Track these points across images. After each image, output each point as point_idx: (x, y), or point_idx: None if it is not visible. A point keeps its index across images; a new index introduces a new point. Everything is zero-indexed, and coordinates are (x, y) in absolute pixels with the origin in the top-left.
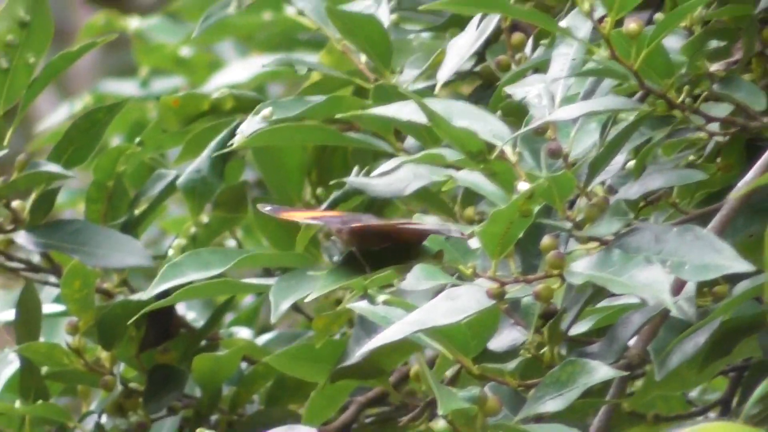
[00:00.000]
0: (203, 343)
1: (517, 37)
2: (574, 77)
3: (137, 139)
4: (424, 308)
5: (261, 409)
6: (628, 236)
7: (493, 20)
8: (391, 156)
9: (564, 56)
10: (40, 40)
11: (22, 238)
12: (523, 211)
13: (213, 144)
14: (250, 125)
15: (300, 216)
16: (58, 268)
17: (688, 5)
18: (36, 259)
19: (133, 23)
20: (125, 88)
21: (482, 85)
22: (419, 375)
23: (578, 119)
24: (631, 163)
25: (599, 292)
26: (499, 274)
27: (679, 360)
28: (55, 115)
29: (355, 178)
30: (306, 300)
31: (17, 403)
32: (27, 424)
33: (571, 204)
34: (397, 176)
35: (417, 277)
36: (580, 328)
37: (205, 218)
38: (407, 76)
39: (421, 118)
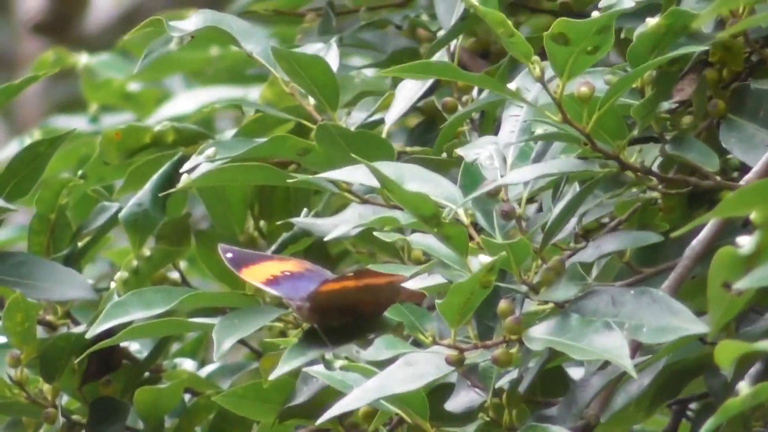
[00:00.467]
0: (146, 375)
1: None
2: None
3: (80, 172)
4: (382, 374)
5: None
6: (585, 299)
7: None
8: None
9: (514, 118)
10: None
11: None
12: (484, 283)
13: (155, 177)
14: (194, 165)
15: (259, 278)
16: (0, 300)
17: (641, 68)
18: None
19: (83, 59)
20: (74, 123)
21: (425, 120)
22: (367, 415)
23: (530, 182)
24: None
25: (556, 353)
26: (457, 339)
27: (623, 401)
28: (5, 152)
29: (302, 219)
30: (270, 377)
31: None
32: None
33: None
34: (344, 217)
35: (378, 348)
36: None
37: (147, 251)
38: (355, 119)
39: (372, 181)
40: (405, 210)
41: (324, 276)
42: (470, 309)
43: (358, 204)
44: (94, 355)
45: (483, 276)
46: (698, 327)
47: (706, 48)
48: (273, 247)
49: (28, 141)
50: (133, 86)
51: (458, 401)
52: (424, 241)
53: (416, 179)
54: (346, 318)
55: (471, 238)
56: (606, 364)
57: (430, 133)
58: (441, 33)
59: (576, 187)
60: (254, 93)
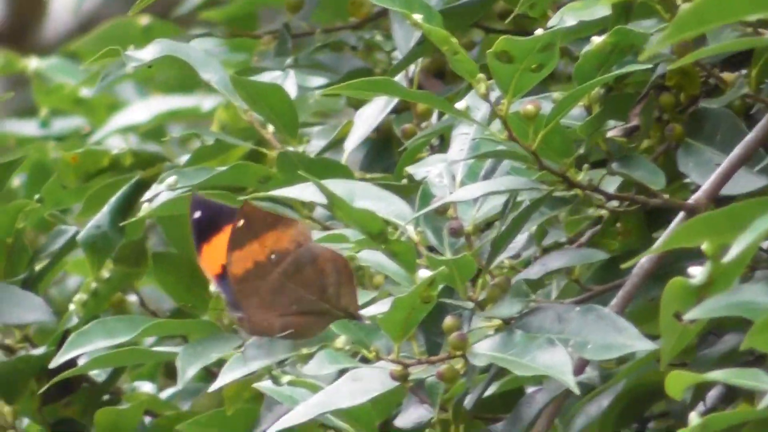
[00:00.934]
0: (106, 396)
1: (422, 106)
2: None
3: (36, 196)
4: (328, 390)
5: None
6: (530, 316)
7: None
8: None
9: (464, 136)
10: None
11: None
12: (425, 298)
13: (113, 200)
14: (155, 193)
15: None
16: None
17: (587, 85)
18: None
19: (33, 63)
20: (25, 128)
21: (379, 141)
22: None
23: (480, 199)
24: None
25: (504, 370)
26: (403, 354)
27: (583, 423)
28: None
29: None
30: (210, 389)
31: None
32: None
33: (473, 280)
34: None
35: (320, 362)
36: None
37: (105, 273)
38: (314, 147)
39: (322, 199)
40: (354, 227)
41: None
42: (412, 324)
43: (317, 231)
44: (53, 377)
45: (423, 290)
46: (643, 344)
47: (661, 71)
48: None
49: None
50: (85, 92)
51: (407, 417)
52: (373, 258)
53: (367, 197)
54: (287, 329)
55: (420, 255)
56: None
57: (384, 154)
58: (396, 53)
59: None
60: (207, 102)
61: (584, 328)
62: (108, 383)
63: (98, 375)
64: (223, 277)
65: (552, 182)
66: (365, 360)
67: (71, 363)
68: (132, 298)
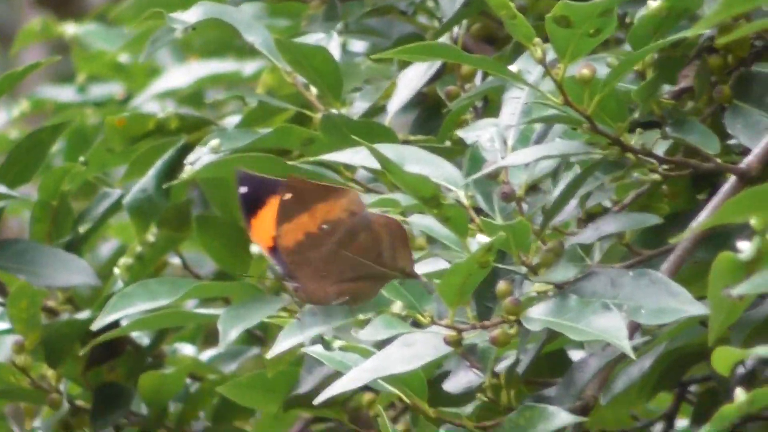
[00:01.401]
0: (149, 360)
1: (466, 68)
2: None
3: (82, 159)
4: (380, 355)
5: (207, 426)
6: (584, 281)
7: None
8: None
9: (515, 100)
10: None
11: None
12: (482, 263)
13: (159, 163)
14: (198, 156)
15: (265, 238)
16: (2, 287)
17: (643, 51)
18: None
19: (70, 29)
20: (63, 94)
21: (428, 106)
22: (372, 402)
23: (531, 163)
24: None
25: (555, 334)
26: (456, 319)
27: (624, 384)
28: None
29: None
30: (267, 356)
31: None
32: None
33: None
34: None
35: (376, 328)
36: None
37: (151, 237)
38: (357, 108)
39: (373, 163)
40: (405, 192)
41: None
42: (468, 289)
43: (362, 193)
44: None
45: (481, 256)
46: (697, 309)
47: (710, 33)
48: None
49: (15, 111)
50: (123, 58)
51: (457, 382)
52: (423, 222)
53: (417, 161)
54: (342, 297)
55: (471, 220)
56: (605, 345)
57: (433, 121)
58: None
59: (577, 170)
60: (248, 67)
61: (637, 293)
62: (152, 347)
63: (141, 338)
64: (275, 249)
65: (604, 146)
66: (417, 325)
67: (115, 325)
68: (176, 261)
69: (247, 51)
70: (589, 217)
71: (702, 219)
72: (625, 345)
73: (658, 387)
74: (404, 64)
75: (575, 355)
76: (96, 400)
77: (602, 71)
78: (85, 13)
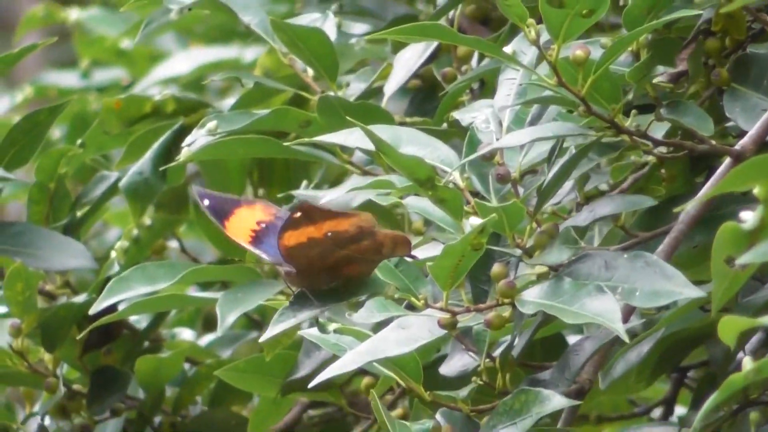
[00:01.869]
0: (146, 344)
1: (462, 49)
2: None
3: (79, 141)
4: (375, 338)
5: (204, 411)
6: (578, 263)
7: None
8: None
9: (510, 81)
10: None
11: None
12: (475, 245)
13: (156, 146)
14: (195, 138)
15: (243, 234)
16: (0, 270)
17: (636, 31)
18: None
19: (73, 14)
20: (66, 79)
21: (424, 89)
22: (369, 386)
23: (526, 145)
24: None
25: (550, 317)
26: (450, 302)
27: (623, 369)
28: None
29: (302, 191)
30: (261, 340)
31: None
32: None
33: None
34: (344, 189)
35: (370, 310)
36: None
37: (147, 220)
38: (354, 90)
39: (368, 144)
40: (400, 173)
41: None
42: (462, 272)
43: (358, 175)
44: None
45: (474, 238)
46: (692, 291)
47: (707, 16)
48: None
49: (19, 97)
50: (125, 43)
51: (452, 365)
52: (419, 204)
53: (413, 143)
54: (335, 280)
55: (467, 202)
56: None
57: (429, 103)
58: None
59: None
60: (249, 53)
61: (632, 275)
62: (149, 331)
63: (139, 322)
64: (257, 240)
65: (599, 128)
66: (412, 308)
67: (112, 309)
68: (173, 244)
69: (249, 37)
70: (587, 200)
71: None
72: (619, 328)
73: (657, 372)
74: (399, 46)
75: (573, 339)
76: (93, 384)
77: (597, 54)
78: None
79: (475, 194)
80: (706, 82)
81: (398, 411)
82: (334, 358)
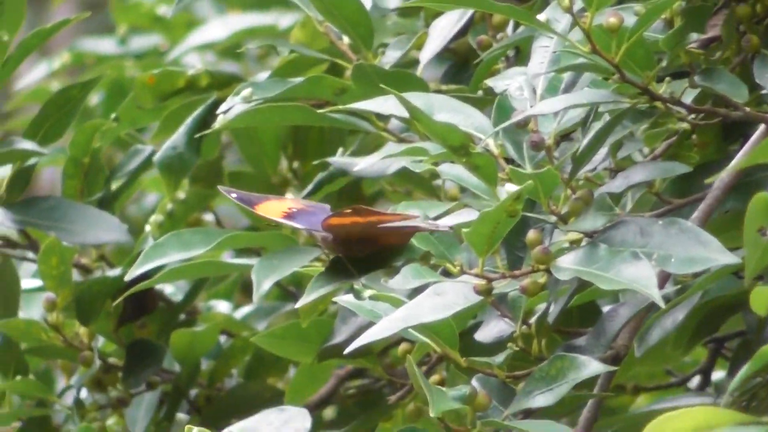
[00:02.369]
0: (181, 317)
1: (498, 17)
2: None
3: (113, 115)
4: (411, 304)
5: (240, 383)
6: (613, 230)
7: None
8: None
9: (544, 49)
10: (13, 17)
11: None
12: (510, 212)
13: (189, 120)
14: (230, 106)
15: (274, 213)
16: (35, 244)
17: None
18: (13, 235)
19: None
20: (103, 46)
21: (458, 61)
22: (406, 351)
23: (560, 112)
24: None
25: (585, 284)
26: (486, 268)
27: (658, 336)
28: (34, 73)
29: (338, 159)
30: (297, 306)
31: None
32: (7, 399)
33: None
34: (379, 156)
35: (405, 277)
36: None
37: (182, 194)
38: (389, 58)
39: (402, 111)
40: (434, 140)
41: (326, 210)
42: (497, 238)
43: (394, 143)
44: (129, 297)
45: (509, 205)
46: (727, 258)
47: None
48: (309, 187)
49: (56, 63)
50: (163, 9)
51: (488, 331)
52: (453, 171)
53: (446, 110)
54: (371, 248)
55: (501, 168)
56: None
57: (463, 74)
58: None
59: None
60: (285, 20)
61: (667, 242)
62: (184, 303)
63: (174, 295)
64: (289, 217)
65: (633, 95)
66: (447, 274)
67: (147, 278)
68: (208, 217)
69: (285, 4)
70: (621, 168)
71: (732, 166)
72: (655, 294)
73: (694, 340)
74: (432, 20)
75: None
76: (128, 357)
77: (630, 21)
78: None
79: (510, 161)
80: (737, 48)
81: (435, 378)
82: (370, 324)
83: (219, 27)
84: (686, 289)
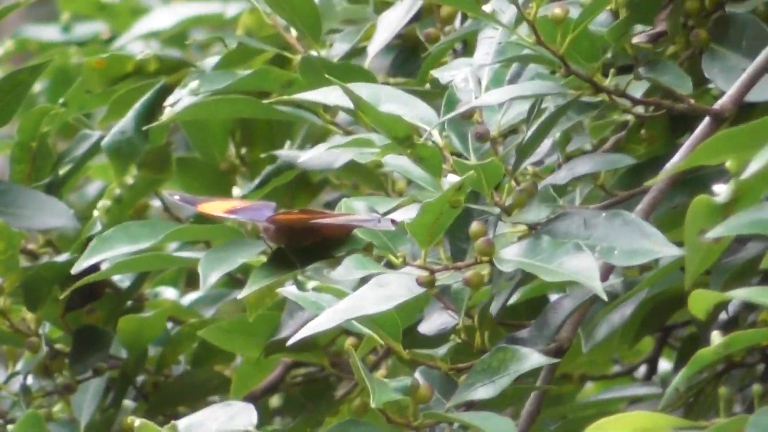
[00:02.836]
0: (129, 303)
1: (446, 10)
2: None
3: (61, 100)
4: (354, 296)
5: (187, 370)
6: (557, 222)
7: None
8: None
9: (489, 39)
10: None
11: None
12: (453, 202)
13: (138, 105)
14: (178, 98)
15: (217, 210)
16: None
17: None
18: None
19: None
20: (47, 33)
21: (406, 47)
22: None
23: (505, 103)
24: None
25: (529, 276)
26: (429, 260)
27: (606, 331)
28: None
29: (285, 152)
30: (239, 296)
31: None
32: None
33: (499, 186)
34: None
35: (348, 268)
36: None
37: (129, 179)
38: (337, 50)
39: (348, 102)
40: (379, 131)
41: (272, 208)
42: (440, 229)
43: (341, 136)
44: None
45: (452, 195)
46: (670, 250)
47: None
48: (256, 181)
49: (0, 50)
50: None
51: (431, 324)
52: (398, 162)
53: (392, 101)
54: (313, 238)
55: (445, 160)
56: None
57: (411, 63)
58: None
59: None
60: (231, 8)
61: (611, 234)
62: (131, 290)
63: (121, 281)
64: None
65: (578, 87)
66: (391, 266)
67: (94, 269)
68: (156, 203)
69: None
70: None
71: (676, 160)
72: (597, 286)
73: (641, 334)
74: (380, 7)
75: None
76: (75, 344)
77: (576, 13)
78: None
79: (456, 154)
80: (685, 43)
81: (381, 372)
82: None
83: (165, 15)
84: (634, 284)
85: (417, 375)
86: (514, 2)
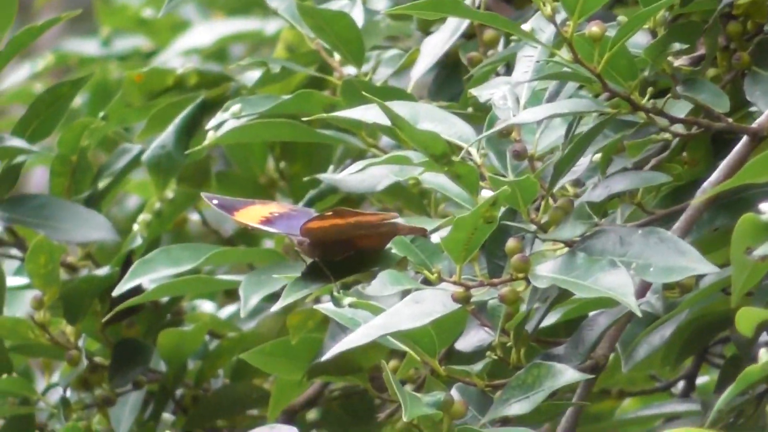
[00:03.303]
0: (168, 317)
1: (489, 34)
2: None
3: (101, 114)
4: (389, 312)
5: (226, 384)
6: (593, 239)
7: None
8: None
9: (528, 58)
10: (4, 15)
11: None
12: (487, 218)
13: (178, 119)
14: (220, 122)
15: (253, 219)
16: (21, 241)
17: (652, 8)
18: None
19: None
20: (87, 47)
21: (447, 65)
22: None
23: (543, 121)
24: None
25: (565, 293)
26: (465, 276)
27: (645, 352)
28: (17, 74)
29: (328, 175)
30: (272, 309)
31: None
32: None
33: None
34: (370, 173)
35: (382, 283)
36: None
37: (170, 193)
38: (381, 75)
39: (386, 120)
40: (417, 149)
41: (310, 214)
42: (475, 245)
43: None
44: (116, 297)
45: (485, 210)
46: (706, 267)
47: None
48: (300, 204)
49: (40, 64)
50: (147, 12)
51: (468, 340)
52: (435, 180)
53: (429, 119)
54: (347, 252)
55: (483, 177)
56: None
57: (452, 82)
58: None
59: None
60: (270, 26)
61: (646, 251)
62: (171, 304)
63: None
64: (266, 222)
65: (616, 105)
66: (427, 282)
67: (136, 290)
68: (195, 217)
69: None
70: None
71: (714, 179)
72: (632, 302)
73: (682, 356)
74: (424, 23)
75: None
76: (114, 357)
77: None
78: None
79: (494, 172)
80: (727, 65)
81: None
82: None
83: (204, 32)
84: (674, 305)
85: (453, 391)
86: (552, 20)
